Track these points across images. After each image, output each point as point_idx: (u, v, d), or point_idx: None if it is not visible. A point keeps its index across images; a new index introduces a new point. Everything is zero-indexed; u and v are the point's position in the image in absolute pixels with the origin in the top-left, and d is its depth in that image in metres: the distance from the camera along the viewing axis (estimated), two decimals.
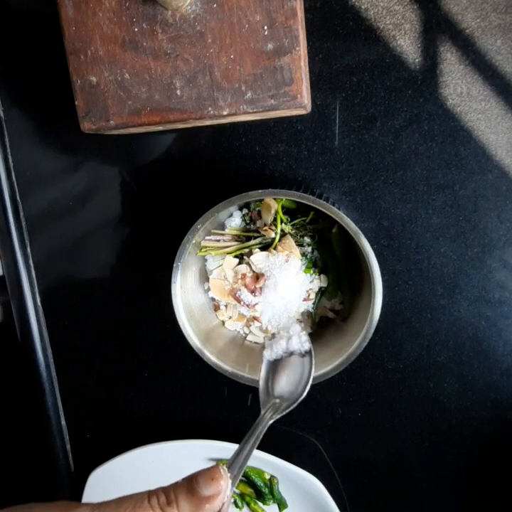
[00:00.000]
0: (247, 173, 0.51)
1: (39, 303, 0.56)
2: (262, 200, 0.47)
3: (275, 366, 0.46)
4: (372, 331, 0.43)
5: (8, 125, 0.53)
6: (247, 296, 0.47)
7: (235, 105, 0.43)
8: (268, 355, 0.46)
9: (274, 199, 0.47)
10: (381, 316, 0.43)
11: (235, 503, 0.57)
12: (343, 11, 0.46)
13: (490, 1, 0.45)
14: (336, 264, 0.48)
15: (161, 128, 0.48)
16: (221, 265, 0.48)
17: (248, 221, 0.49)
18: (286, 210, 0.48)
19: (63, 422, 0.59)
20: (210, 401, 0.57)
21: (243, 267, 0.47)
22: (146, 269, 0.54)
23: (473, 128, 0.47)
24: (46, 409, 0.58)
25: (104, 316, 0.57)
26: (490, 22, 0.45)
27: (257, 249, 0.47)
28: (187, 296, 0.47)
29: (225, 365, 0.47)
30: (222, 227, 0.50)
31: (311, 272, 0.48)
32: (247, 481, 0.56)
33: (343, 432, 0.55)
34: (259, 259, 0.46)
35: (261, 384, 0.45)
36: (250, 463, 0.55)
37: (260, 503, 0.57)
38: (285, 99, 0.43)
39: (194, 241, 0.45)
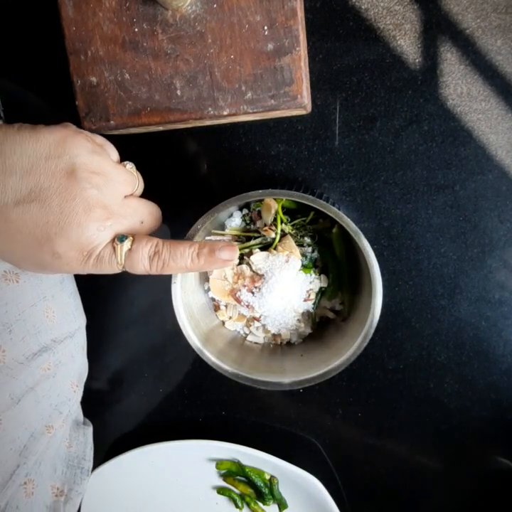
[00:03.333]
0: (247, 173, 0.51)
1: None
2: (262, 200, 0.47)
3: None
4: (372, 331, 0.43)
5: None
6: (247, 297, 0.47)
7: (235, 105, 0.43)
8: None
9: (274, 199, 0.47)
10: (381, 316, 0.43)
11: (235, 503, 0.57)
12: (344, 11, 0.46)
13: (490, 1, 0.45)
14: (336, 264, 0.48)
15: (161, 128, 0.48)
16: None
17: (248, 221, 0.49)
18: (286, 210, 0.48)
19: None
20: (210, 401, 0.57)
21: (243, 267, 0.47)
22: None
23: (473, 128, 0.47)
24: None
25: (103, 316, 0.57)
26: (490, 22, 0.45)
27: (257, 250, 0.47)
28: (187, 296, 0.47)
29: (225, 365, 0.47)
30: (223, 227, 0.50)
31: (311, 272, 0.48)
32: (247, 481, 0.56)
33: (343, 432, 0.55)
34: (259, 259, 0.46)
35: None
36: (250, 463, 0.55)
37: (260, 504, 0.57)
38: (285, 99, 0.43)
39: (194, 241, 0.45)
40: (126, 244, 0.37)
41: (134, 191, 0.41)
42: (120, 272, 0.39)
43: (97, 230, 0.36)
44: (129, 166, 0.41)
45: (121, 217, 0.38)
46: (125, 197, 0.39)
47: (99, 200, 0.36)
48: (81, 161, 0.36)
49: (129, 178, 0.40)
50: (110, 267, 0.37)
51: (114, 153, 0.41)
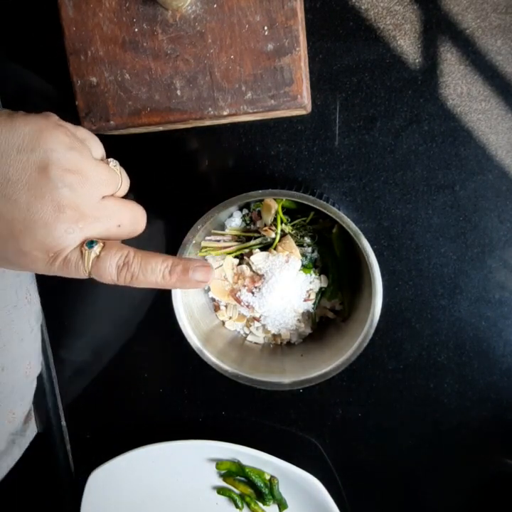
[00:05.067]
0: (247, 174, 0.51)
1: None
2: (262, 200, 0.47)
3: None
4: (372, 331, 0.43)
5: None
6: (247, 297, 0.47)
7: (235, 105, 0.43)
8: None
9: (274, 199, 0.47)
10: (381, 316, 0.43)
11: (235, 504, 0.57)
12: (343, 12, 0.46)
13: (490, 1, 0.45)
14: (336, 264, 0.48)
15: (161, 128, 0.48)
16: (221, 265, 0.49)
17: (248, 221, 0.49)
18: (286, 211, 0.48)
19: (63, 422, 0.59)
20: (210, 401, 0.57)
21: (243, 267, 0.47)
22: None
23: (473, 128, 0.47)
24: (46, 410, 0.58)
25: (104, 316, 0.57)
26: (490, 22, 0.45)
27: (257, 250, 0.47)
28: (187, 296, 0.47)
29: (225, 365, 0.47)
30: (223, 227, 0.50)
31: (311, 272, 0.48)
32: (247, 481, 0.56)
33: (343, 432, 0.55)
34: (259, 259, 0.46)
35: None
36: (250, 463, 0.55)
37: (260, 504, 0.57)
38: (285, 99, 0.43)
39: (194, 241, 0.45)
40: (95, 250, 0.35)
41: (116, 191, 0.38)
42: (87, 278, 0.36)
43: (66, 231, 0.34)
44: (113, 163, 0.39)
45: (95, 220, 0.35)
46: (104, 198, 0.36)
47: (71, 200, 0.34)
48: (55, 157, 0.33)
49: (110, 178, 0.37)
50: (76, 273, 0.35)
51: (97, 150, 0.38)
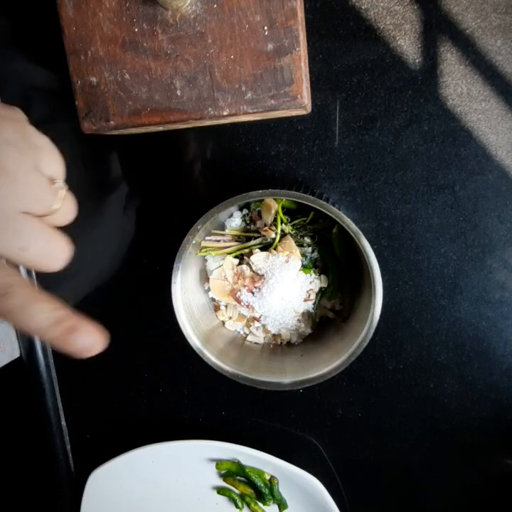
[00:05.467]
0: (247, 174, 0.51)
1: None
2: (262, 200, 0.47)
3: None
4: (372, 331, 0.43)
5: None
6: (247, 297, 0.47)
7: (235, 105, 0.43)
8: None
9: (274, 199, 0.47)
10: (381, 316, 0.43)
11: (235, 504, 0.57)
12: (344, 12, 0.46)
13: (490, 1, 0.45)
14: (336, 264, 0.48)
15: (161, 128, 0.48)
16: (221, 265, 0.49)
17: (248, 221, 0.49)
18: (286, 211, 0.48)
19: (63, 422, 0.59)
20: (210, 401, 0.57)
21: (243, 268, 0.47)
22: (147, 270, 0.54)
23: (473, 128, 0.47)
24: (46, 410, 0.58)
25: (104, 316, 0.56)
26: (490, 22, 0.45)
27: (258, 250, 0.47)
28: (187, 296, 0.47)
29: (225, 365, 0.47)
30: (223, 227, 0.50)
31: (311, 272, 0.48)
32: (247, 481, 0.56)
33: (343, 432, 0.55)
34: (259, 259, 0.46)
35: None
36: (250, 463, 0.55)
37: (260, 504, 0.57)
38: (285, 99, 0.43)
39: (194, 241, 0.45)
40: None
41: (46, 215, 0.31)
42: None
43: None
44: (59, 185, 0.32)
45: None
46: (24, 214, 0.29)
47: None
48: None
49: (41, 195, 0.30)
50: None
51: (49, 165, 0.31)
